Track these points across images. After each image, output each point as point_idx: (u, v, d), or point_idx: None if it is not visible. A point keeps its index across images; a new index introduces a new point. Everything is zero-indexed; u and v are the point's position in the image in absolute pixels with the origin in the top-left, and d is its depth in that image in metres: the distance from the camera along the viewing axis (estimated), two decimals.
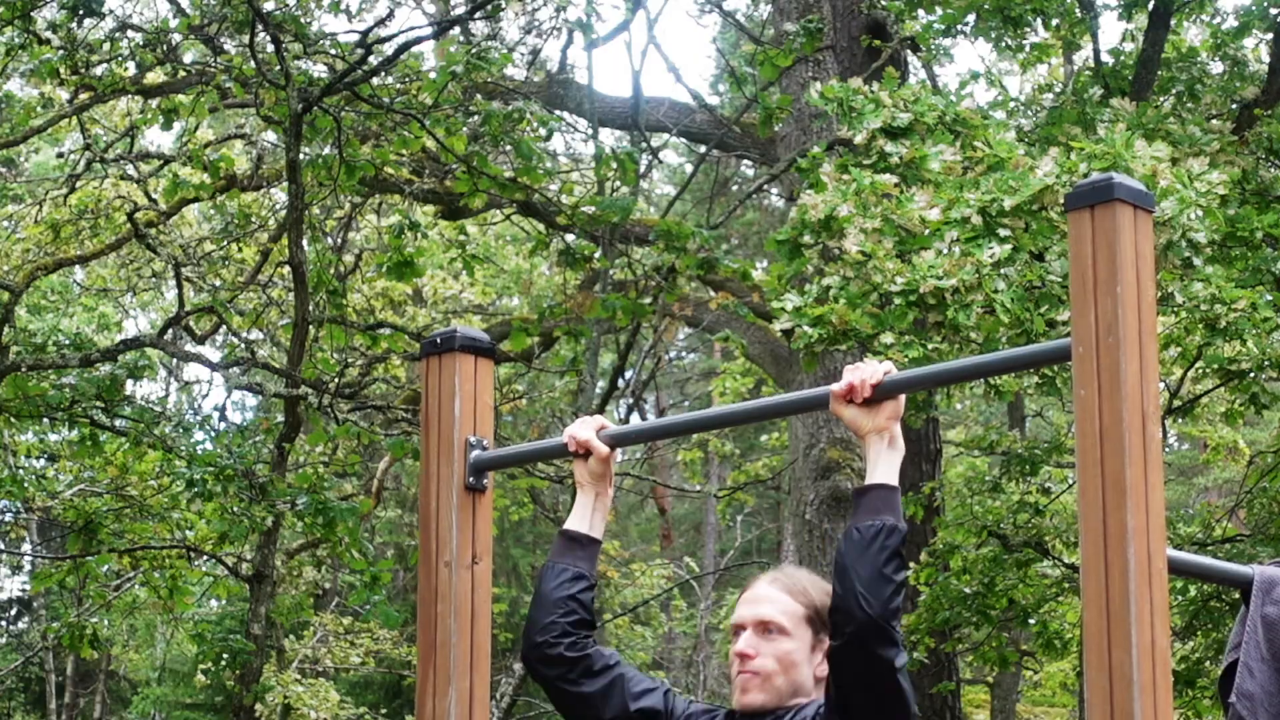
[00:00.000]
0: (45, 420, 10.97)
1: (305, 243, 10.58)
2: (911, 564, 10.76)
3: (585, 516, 3.75)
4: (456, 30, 11.47)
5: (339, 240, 14.11)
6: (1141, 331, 3.05)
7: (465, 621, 3.69)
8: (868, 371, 3.42)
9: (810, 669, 3.57)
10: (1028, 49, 11.34)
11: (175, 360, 17.74)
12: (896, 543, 3.35)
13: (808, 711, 3.51)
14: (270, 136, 13.20)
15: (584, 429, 3.73)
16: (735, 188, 21.52)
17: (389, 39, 9.95)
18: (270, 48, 9.68)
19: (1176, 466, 22.89)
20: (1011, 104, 11.37)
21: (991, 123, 8.18)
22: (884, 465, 3.41)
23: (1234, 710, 3.72)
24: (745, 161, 19.22)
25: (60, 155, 13.86)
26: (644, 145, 13.44)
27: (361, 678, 22.94)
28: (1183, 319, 7.82)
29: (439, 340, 3.83)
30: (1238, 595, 3.94)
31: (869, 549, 3.33)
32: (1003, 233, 7.29)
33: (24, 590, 25.94)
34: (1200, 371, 9.47)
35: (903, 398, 3.44)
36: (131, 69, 11.09)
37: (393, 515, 23.42)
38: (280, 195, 13.26)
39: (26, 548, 21.25)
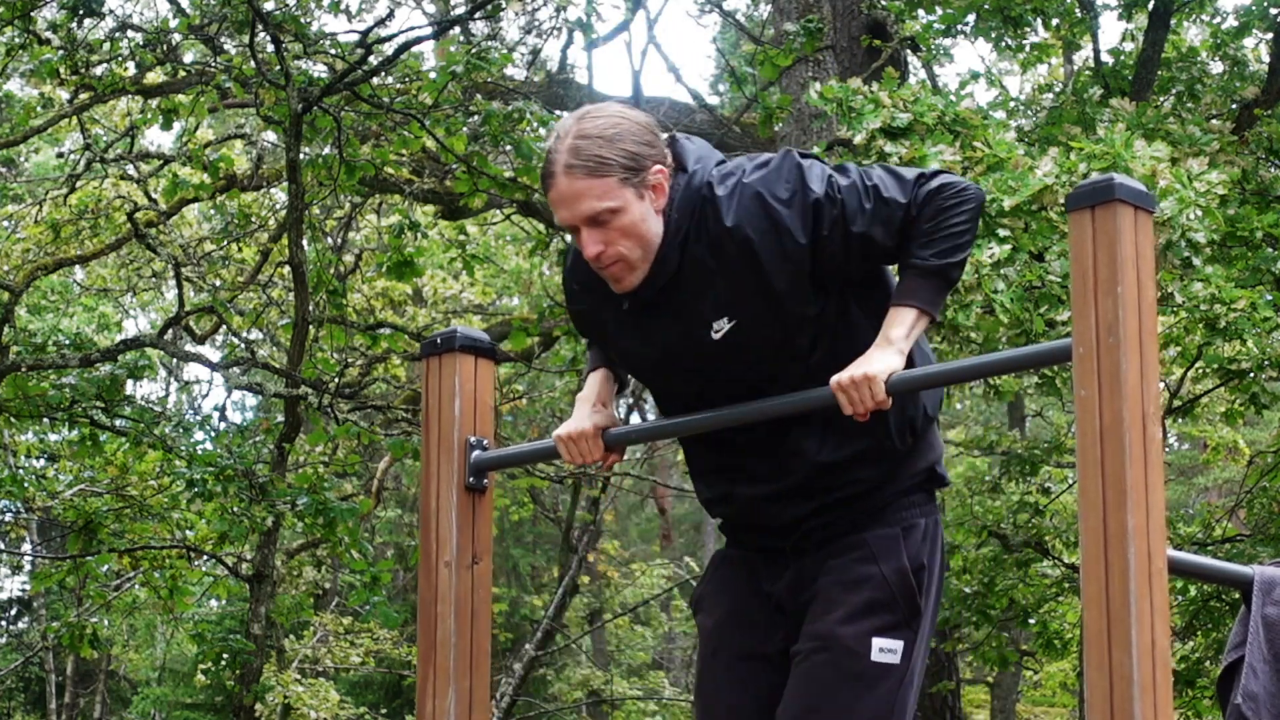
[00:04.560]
0: (45, 420, 10.96)
1: (305, 243, 10.57)
2: None
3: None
4: (456, 30, 11.46)
5: (339, 240, 14.10)
6: (1142, 332, 3.06)
7: (465, 622, 3.69)
8: (865, 394, 3.34)
9: (648, 206, 3.45)
10: (1028, 49, 11.34)
11: (175, 360, 17.73)
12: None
13: None
14: (270, 136, 13.19)
15: (585, 450, 3.63)
16: None
17: (389, 39, 9.94)
18: (270, 48, 9.67)
19: (1176, 466, 22.86)
20: (1011, 104, 11.38)
21: (991, 123, 8.17)
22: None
23: (1238, 710, 3.73)
24: None
25: (60, 155, 13.84)
26: None
27: (361, 678, 22.92)
28: (1182, 319, 7.82)
29: (439, 340, 3.83)
30: (1237, 595, 3.94)
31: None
32: (1002, 233, 7.29)
33: (24, 590, 25.90)
34: (1200, 371, 9.48)
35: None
36: (131, 69, 11.08)
37: (393, 515, 23.40)
38: (280, 195, 13.25)
39: (26, 548, 21.23)
